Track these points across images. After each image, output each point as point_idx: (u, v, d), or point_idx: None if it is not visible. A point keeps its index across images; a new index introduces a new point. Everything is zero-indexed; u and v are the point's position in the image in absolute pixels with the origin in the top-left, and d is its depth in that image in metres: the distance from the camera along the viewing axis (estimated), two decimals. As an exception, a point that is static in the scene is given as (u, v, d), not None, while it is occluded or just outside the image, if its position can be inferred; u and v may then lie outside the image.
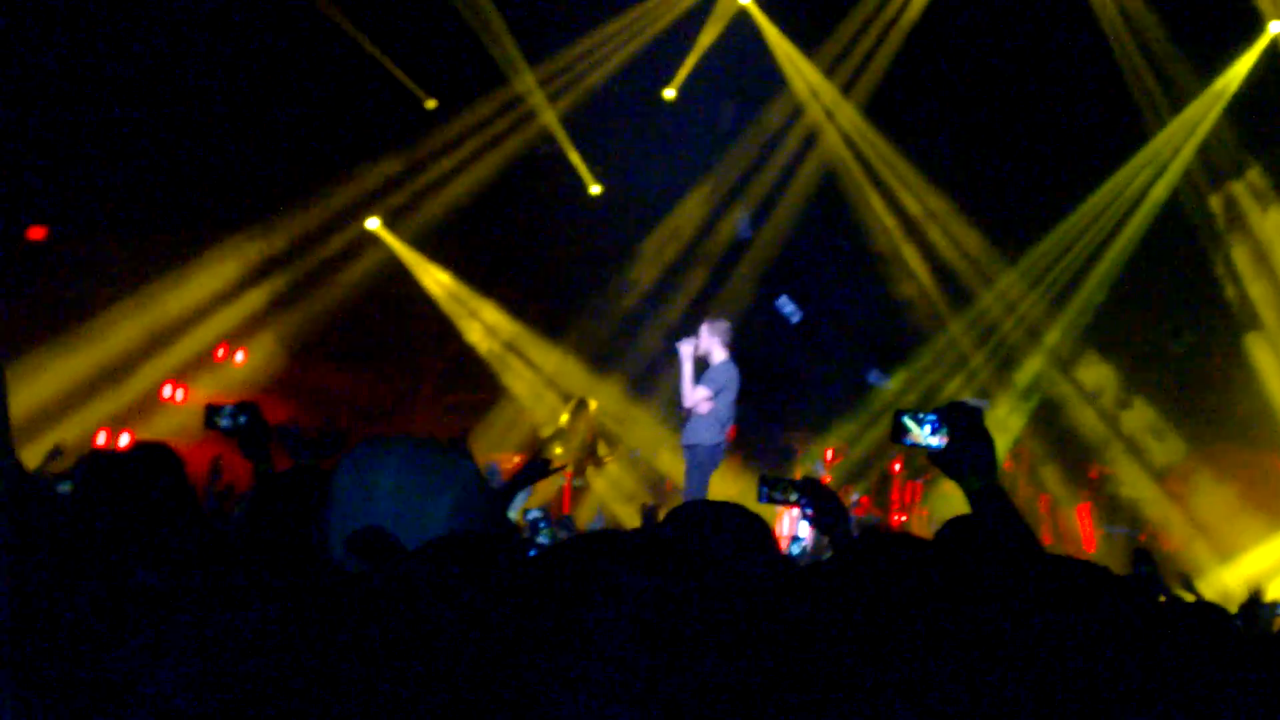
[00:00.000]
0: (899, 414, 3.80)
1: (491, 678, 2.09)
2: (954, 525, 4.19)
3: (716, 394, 13.41)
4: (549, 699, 2.03)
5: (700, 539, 3.97)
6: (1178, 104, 17.94)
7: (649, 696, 2.00)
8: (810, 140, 19.08)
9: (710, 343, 13.69)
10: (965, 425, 3.70)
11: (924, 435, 3.75)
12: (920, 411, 3.79)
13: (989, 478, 3.64)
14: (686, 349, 13.55)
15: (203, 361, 16.64)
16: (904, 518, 16.92)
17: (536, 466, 7.08)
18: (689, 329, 17.89)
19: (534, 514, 7.45)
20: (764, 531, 4.13)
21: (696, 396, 13.43)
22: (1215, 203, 18.10)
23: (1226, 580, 14.49)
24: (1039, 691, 2.91)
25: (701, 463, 13.51)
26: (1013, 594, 3.38)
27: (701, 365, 13.66)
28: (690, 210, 19.21)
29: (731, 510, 4.20)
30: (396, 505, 3.26)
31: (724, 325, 13.80)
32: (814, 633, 2.96)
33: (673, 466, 18.08)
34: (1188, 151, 17.98)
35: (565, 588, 2.06)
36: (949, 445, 3.68)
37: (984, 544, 3.66)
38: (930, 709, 2.79)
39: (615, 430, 18.75)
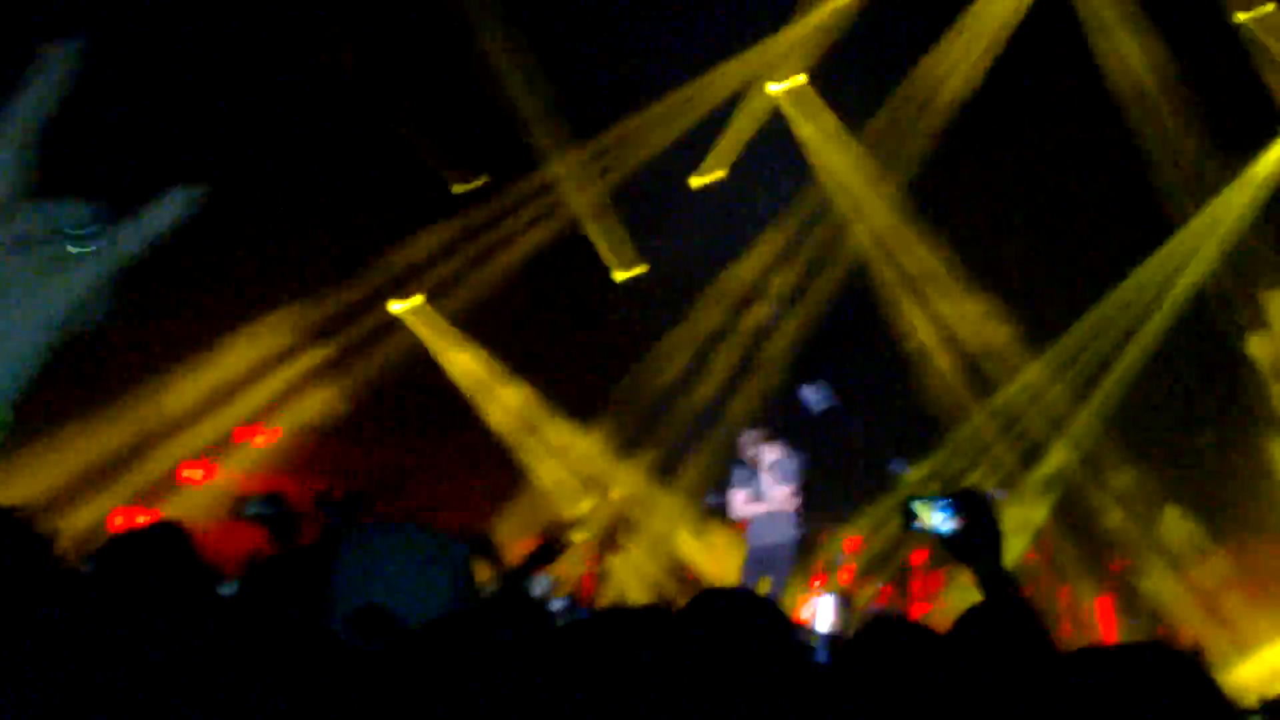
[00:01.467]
0: (908, 500, 3.92)
1: None
2: (970, 616, 4.13)
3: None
4: None
5: (717, 624, 3.89)
6: (1204, 196, 18.04)
7: None
8: (840, 232, 19.20)
9: (759, 451, 14.73)
10: (975, 510, 3.82)
11: (934, 520, 3.85)
12: (931, 497, 3.88)
13: (997, 562, 3.74)
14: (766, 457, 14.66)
15: (225, 442, 16.61)
16: (925, 609, 16.85)
17: (546, 549, 7.20)
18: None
19: (558, 603, 7.45)
20: (779, 619, 4.05)
21: (784, 496, 14.51)
22: (1239, 300, 18.12)
23: (1245, 675, 14.41)
24: None
25: (786, 560, 14.66)
26: (1024, 686, 3.32)
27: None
28: (719, 298, 19.28)
29: (748, 597, 4.17)
30: (396, 585, 3.35)
31: (756, 434, 14.91)
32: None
33: (694, 553, 18.12)
34: (1211, 246, 18.05)
35: (582, 661, 2.02)
36: (960, 530, 3.79)
37: (993, 631, 3.68)
38: None
39: (638, 517, 18.75)
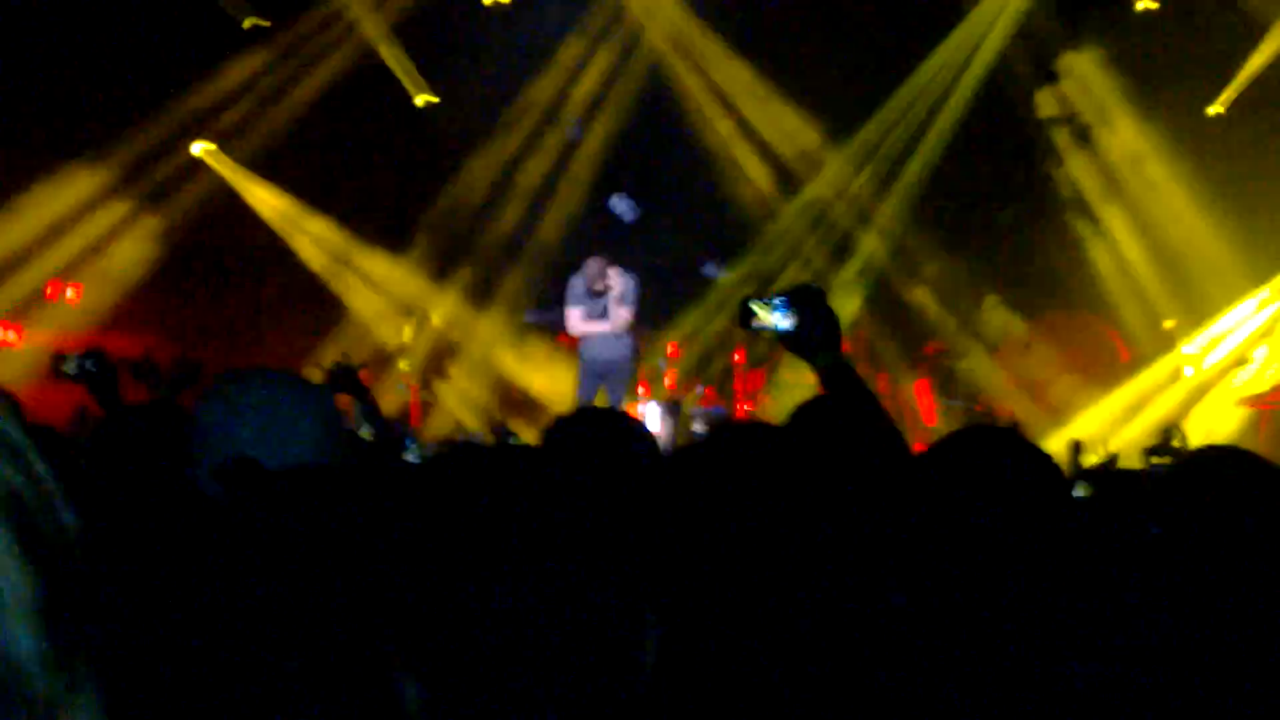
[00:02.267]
0: (746, 300, 3.85)
1: (383, 596, 2.04)
2: (807, 408, 4.25)
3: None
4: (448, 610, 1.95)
5: (591, 445, 4.03)
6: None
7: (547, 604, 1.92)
8: (636, 38, 19.17)
9: (602, 275, 14.91)
10: (811, 305, 3.80)
11: (772, 318, 3.81)
12: (767, 296, 3.85)
13: (837, 354, 3.77)
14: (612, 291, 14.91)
15: (33, 301, 16.20)
16: (749, 407, 17.24)
17: (339, 374, 6.88)
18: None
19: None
20: (642, 429, 4.29)
21: (627, 319, 14.91)
22: (1036, 86, 18.50)
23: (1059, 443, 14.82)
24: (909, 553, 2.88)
25: (623, 377, 15.16)
26: (876, 469, 3.49)
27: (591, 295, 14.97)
28: (520, 117, 19.16)
29: (617, 416, 4.34)
30: (260, 433, 3.33)
31: (600, 260, 15.00)
32: (695, 522, 2.95)
33: (519, 372, 18.15)
34: (1003, 25, 18.29)
35: (460, 500, 1.97)
36: (798, 326, 3.78)
37: (840, 420, 3.77)
38: (808, 592, 2.81)
39: (459, 341, 18.84)
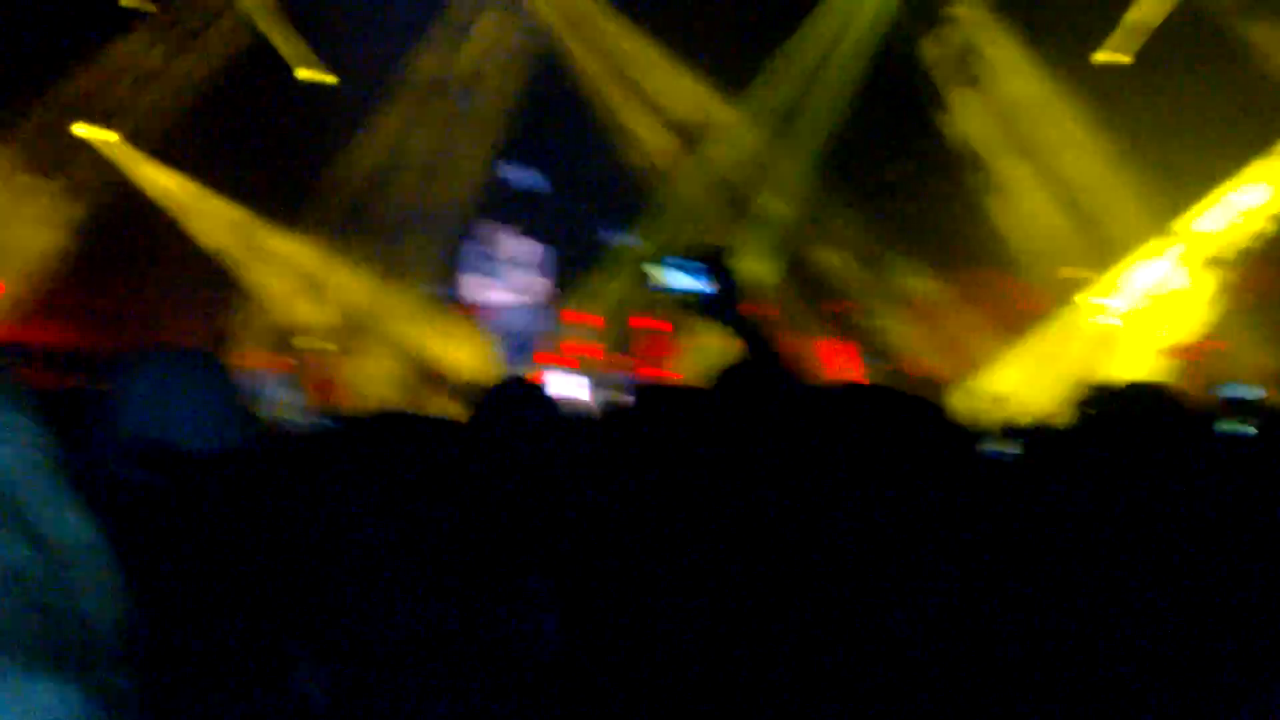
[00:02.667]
0: (663, 262, 3.87)
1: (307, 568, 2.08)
2: (732, 372, 4.17)
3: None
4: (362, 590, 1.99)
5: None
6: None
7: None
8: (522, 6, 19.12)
9: (502, 241, 14.78)
10: (722, 267, 3.83)
11: (685, 282, 3.81)
12: (682, 258, 3.88)
13: (743, 315, 3.76)
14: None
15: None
16: (655, 373, 16.82)
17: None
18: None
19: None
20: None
21: (539, 284, 14.77)
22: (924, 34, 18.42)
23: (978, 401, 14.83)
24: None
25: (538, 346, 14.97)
26: (798, 418, 3.44)
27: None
28: (409, 88, 19.00)
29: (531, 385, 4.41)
30: (163, 412, 3.28)
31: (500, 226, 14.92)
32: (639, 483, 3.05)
33: (435, 347, 17.99)
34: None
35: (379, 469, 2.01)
36: (707, 288, 3.78)
37: (765, 380, 3.74)
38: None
39: (368, 313, 18.67)
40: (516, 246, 14.76)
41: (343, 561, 1.95)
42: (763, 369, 3.74)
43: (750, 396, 3.77)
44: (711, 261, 3.85)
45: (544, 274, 14.78)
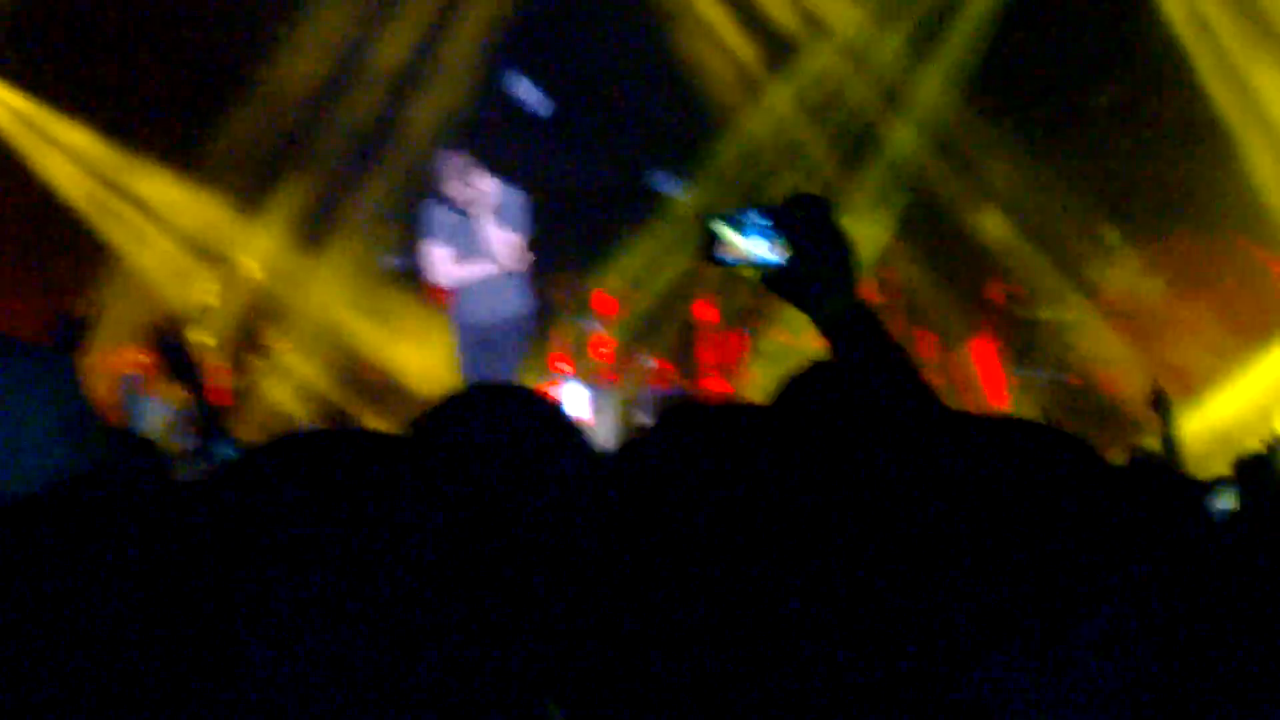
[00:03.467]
0: (709, 219, 3.56)
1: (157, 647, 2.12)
2: (802, 380, 4.12)
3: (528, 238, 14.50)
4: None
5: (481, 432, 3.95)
6: None
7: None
8: None
9: (471, 183, 14.41)
10: (813, 224, 3.52)
11: (751, 247, 3.54)
12: (742, 213, 3.56)
13: (852, 297, 3.53)
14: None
15: None
16: (726, 390, 17.12)
17: (169, 350, 7.02)
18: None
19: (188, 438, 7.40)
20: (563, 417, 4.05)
21: (512, 251, 14.52)
22: None
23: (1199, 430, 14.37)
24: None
25: (517, 342, 14.97)
26: (911, 466, 3.27)
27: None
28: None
29: (519, 393, 4.22)
30: None
31: (464, 159, 14.55)
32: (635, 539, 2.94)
33: (371, 342, 17.74)
34: None
35: (266, 520, 2.08)
36: (792, 256, 3.51)
37: (853, 396, 3.58)
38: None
39: (286, 299, 18.55)
40: (504, 196, 14.44)
41: (235, 663, 2.03)
42: (858, 379, 3.55)
43: (832, 421, 3.50)
44: (795, 216, 3.54)
45: (518, 227, 14.61)
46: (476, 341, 14.61)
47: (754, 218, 3.57)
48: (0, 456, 3.38)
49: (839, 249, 3.53)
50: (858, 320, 3.54)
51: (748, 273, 3.57)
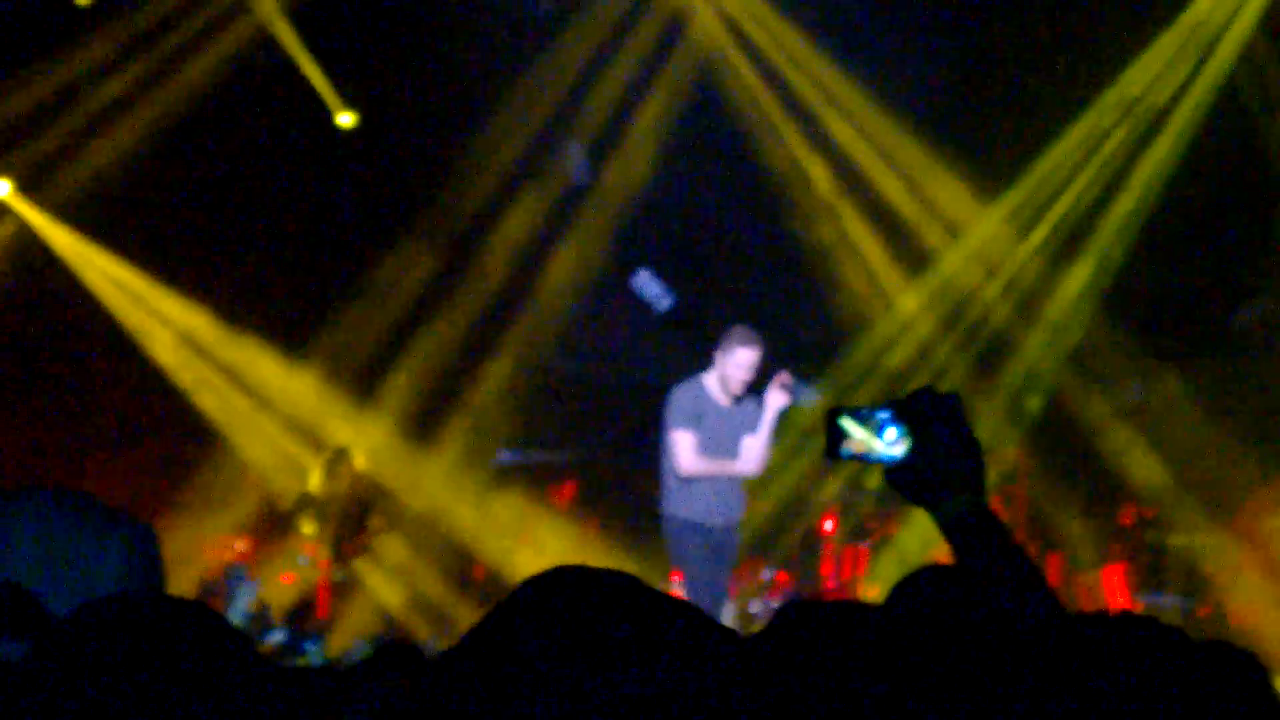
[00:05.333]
0: (834, 414, 3.73)
1: None
2: (917, 579, 4.19)
3: None
4: None
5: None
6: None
7: None
8: (676, 29, 19.07)
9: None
10: (939, 420, 3.63)
11: (874, 442, 3.67)
12: (867, 408, 3.72)
13: (978, 496, 3.57)
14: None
15: None
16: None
17: None
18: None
19: (277, 633, 7.11)
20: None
21: (766, 455, 14.26)
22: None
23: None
24: None
25: (734, 550, 14.49)
26: (1034, 671, 3.35)
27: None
28: (493, 147, 18.95)
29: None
30: (40, 568, 3.62)
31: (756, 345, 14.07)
32: None
33: (485, 545, 17.98)
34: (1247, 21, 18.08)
35: None
36: (914, 452, 3.61)
37: (975, 601, 3.59)
38: None
39: (395, 491, 18.52)
40: (781, 376, 14.20)
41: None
42: (979, 581, 3.56)
43: (946, 623, 3.72)
44: (921, 411, 3.67)
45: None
46: (703, 544, 13.87)
47: (880, 413, 3.72)
48: (75, 585, 3.55)
49: (965, 447, 3.64)
50: (981, 522, 3.60)
51: (868, 469, 3.93)
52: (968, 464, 3.59)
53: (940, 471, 3.60)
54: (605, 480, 18.82)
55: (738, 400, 13.99)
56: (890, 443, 3.65)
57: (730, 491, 14.03)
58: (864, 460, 3.72)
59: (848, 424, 3.70)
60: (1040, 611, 3.49)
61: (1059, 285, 18.84)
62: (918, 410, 3.65)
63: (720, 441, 13.90)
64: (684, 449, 13.77)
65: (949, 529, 3.58)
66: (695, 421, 13.88)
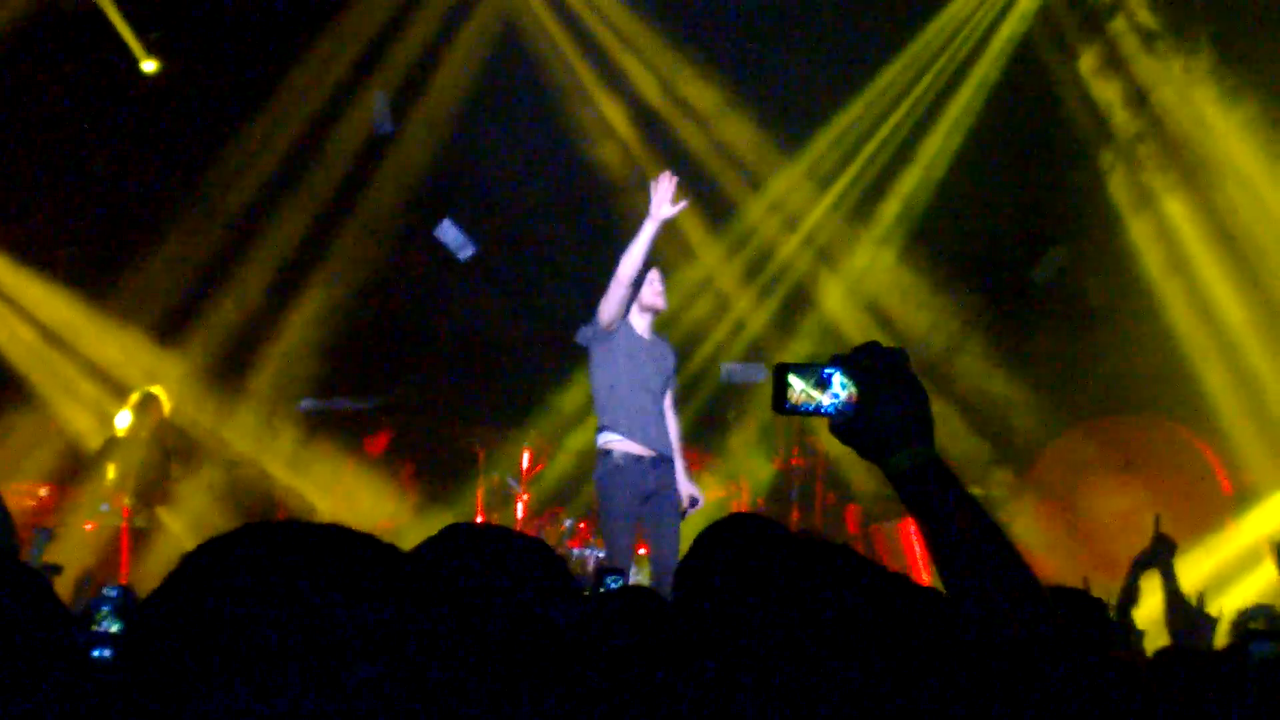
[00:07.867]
0: (781, 370, 3.85)
1: None
2: (718, 536, 4.35)
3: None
4: None
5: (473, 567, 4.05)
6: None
7: None
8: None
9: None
10: (884, 374, 3.73)
11: (820, 395, 3.81)
12: (813, 363, 3.85)
13: (927, 449, 3.67)
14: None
15: None
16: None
17: None
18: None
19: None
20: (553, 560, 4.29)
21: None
22: (1087, 58, 18.77)
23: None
24: None
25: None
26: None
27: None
28: (297, 97, 19.34)
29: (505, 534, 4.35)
30: None
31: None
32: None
33: (295, 492, 18.36)
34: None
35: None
36: (860, 406, 3.73)
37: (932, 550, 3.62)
38: None
39: (204, 437, 18.66)
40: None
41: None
42: (929, 530, 3.61)
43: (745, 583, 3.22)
44: (861, 363, 3.75)
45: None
46: (638, 500, 13.19)
47: (826, 369, 3.77)
48: None
49: (911, 400, 3.66)
50: (932, 473, 3.59)
51: (813, 418, 4.28)
52: (914, 417, 3.65)
53: (886, 424, 3.63)
54: (418, 428, 19.03)
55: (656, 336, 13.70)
56: (835, 395, 3.73)
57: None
58: (810, 413, 3.79)
59: (793, 378, 3.79)
60: (995, 561, 3.51)
61: (856, 240, 19.49)
62: (863, 364, 3.70)
63: (645, 374, 13.45)
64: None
65: (899, 481, 3.63)
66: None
